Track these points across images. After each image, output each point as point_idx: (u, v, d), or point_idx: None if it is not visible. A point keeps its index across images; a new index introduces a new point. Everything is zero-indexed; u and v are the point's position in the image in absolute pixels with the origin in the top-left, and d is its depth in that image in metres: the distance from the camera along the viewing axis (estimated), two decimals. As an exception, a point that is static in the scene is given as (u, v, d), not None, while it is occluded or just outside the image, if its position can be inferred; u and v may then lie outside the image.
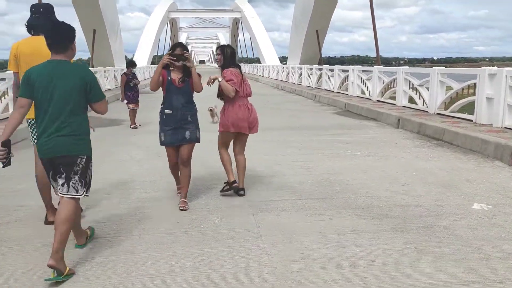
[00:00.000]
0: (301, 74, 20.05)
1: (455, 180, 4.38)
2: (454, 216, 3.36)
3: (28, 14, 3.32)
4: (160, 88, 3.58)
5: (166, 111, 3.52)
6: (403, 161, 5.25)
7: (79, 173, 2.53)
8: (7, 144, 2.49)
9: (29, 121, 3.27)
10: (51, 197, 3.33)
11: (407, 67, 10.42)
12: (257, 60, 41.88)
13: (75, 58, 2.79)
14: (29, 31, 3.29)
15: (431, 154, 5.62)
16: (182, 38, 64.84)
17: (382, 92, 11.16)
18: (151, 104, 9.10)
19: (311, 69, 18.51)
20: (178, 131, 3.51)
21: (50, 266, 2.35)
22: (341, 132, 7.49)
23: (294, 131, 7.63)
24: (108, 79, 17.78)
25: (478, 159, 5.30)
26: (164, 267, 2.56)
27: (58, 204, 2.59)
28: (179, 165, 3.67)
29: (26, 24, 3.27)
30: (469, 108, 7.94)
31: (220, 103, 4.05)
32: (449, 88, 8.31)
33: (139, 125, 8.36)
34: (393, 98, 10.40)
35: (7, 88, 8.73)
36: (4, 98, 8.72)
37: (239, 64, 4.09)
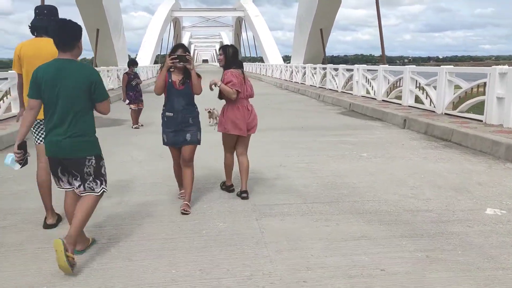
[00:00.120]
0: (304, 74, 19.90)
1: (466, 183, 4.23)
2: (467, 222, 3.22)
3: (33, 14, 3.29)
4: None
5: (167, 113, 3.49)
6: (411, 163, 5.11)
7: (92, 173, 2.58)
8: (23, 145, 2.61)
9: (38, 121, 3.21)
10: (51, 200, 3.27)
11: (414, 66, 10.26)
12: (260, 59, 41.75)
13: (79, 58, 2.78)
14: (32, 33, 3.30)
15: (440, 156, 5.47)
16: (185, 37, 64.84)
17: (387, 91, 11.00)
18: (154, 104, 8.98)
19: (315, 68, 18.35)
20: (179, 133, 3.49)
21: (63, 240, 2.40)
22: (346, 133, 7.35)
23: (298, 132, 7.51)
24: (111, 78, 17.73)
25: (489, 161, 5.15)
26: (164, 275, 2.45)
27: (65, 200, 2.67)
28: (182, 166, 3.63)
29: (30, 25, 3.28)
30: (478, 108, 7.78)
31: (220, 105, 3.97)
32: (457, 87, 8.13)
33: (141, 125, 8.27)
34: (399, 97, 10.24)
35: (9, 88, 8.67)
36: (7, 97, 8.65)
37: (243, 63, 3.98)
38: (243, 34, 56.46)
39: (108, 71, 17.56)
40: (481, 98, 7.19)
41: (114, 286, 2.34)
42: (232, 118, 3.75)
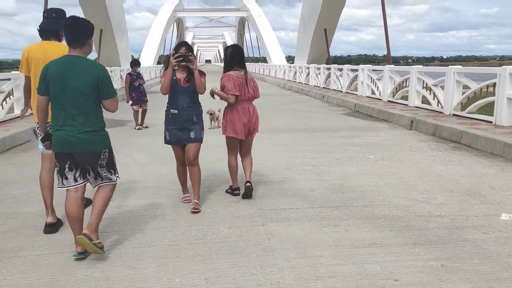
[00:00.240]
0: (308, 74, 19.76)
1: (478, 187, 4.10)
2: (482, 228, 3.09)
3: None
4: None
5: (172, 111, 3.50)
6: (420, 166, 4.98)
7: (105, 165, 2.68)
8: (47, 137, 2.76)
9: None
10: (52, 198, 3.25)
11: (421, 66, 10.09)
12: (264, 60, 41.63)
13: None
14: (41, 36, 3.31)
15: (449, 158, 5.33)
16: (188, 38, 64.82)
17: (393, 92, 10.85)
18: (158, 104, 8.91)
19: (319, 68, 18.21)
20: (183, 131, 3.51)
21: (84, 235, 2.55)
22: (352, 134, 7.23)
23: (303, 133, 7.39)
24: (114, 79, 17.67)
25: (500, 164, 5.01)
26: (168, 285, 2.34)
27: (66, 200, 2.68)
28: (187, 165, 3.62)
29: (38, 28, 3.31)
30: (487, 109, 7.63)
31: (223, 106, 3.93)
32: (465, 87, 7.98)
33: (146, 127, 8.15)
34: (405, 98, 10.09)
35: (12, 89, 8.62)
36: (9, 98, 8.60)
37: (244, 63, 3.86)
38: (246, 35, 56.41)
39: (111, 71, 17.51)
40: (490, 99, 7.04)
41: (115, 296, 2.24)
42: (230, 121, 3.74)
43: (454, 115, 7.83)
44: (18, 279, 2.42)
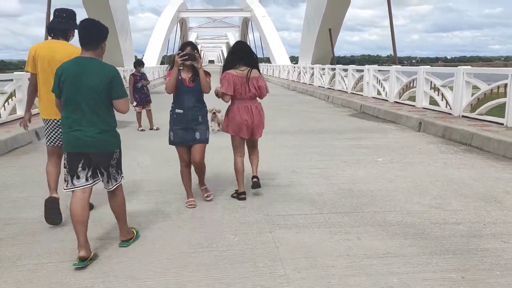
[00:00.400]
0: (312, 74, 19.60)
1: (493, 192, 3.94)
2: (501, 237, 2.94)
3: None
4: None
5: (177, 110, 3.46)
6: (431, 169, 4.82)
7: (115, 165, 2.74)
8: None
9: (51, 121, 3.32)
10: (57, 183, 3.33)
11: (428, 66, 9.90)
12: (267, 60, 41.47)
13: None
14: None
15: (461, 161, 5.17)
16: (192, 38, 64.79)
17: (399, 93, 10.68)
18: (161, 104, 8.81)
19: (323, 69, 18.05)
20: (188, 131, 3.46)
21: (122, 241, 2.85)
22: (359, 136, 7.08)
23: (309, 135, 7.25)
24: (117, 79, 17.60)
25: (514, 168, 4.84)
26: (171, 297, 2.22)
27: (71, 202, 2.65)
28: (194, 167, 3.61)
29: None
30: (497, 110, 7.44)
31: (225, 106, 3.89)
32: (474, 88, 7.80)
33: (157, 128, 7.93)
34: (412, 99, 9.92)
35: (14, 90, 8.54)
36: (11, 99, 8.52)
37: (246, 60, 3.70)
38: (250, 35, 56.29)
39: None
40: (501, 100, 6.86)
41: (116, 309, 2.11)
42: (231, 118, 3.70)
43: (463, 116, 7.66)
44: (15, 290, 2.30)
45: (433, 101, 9.21)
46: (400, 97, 10.58)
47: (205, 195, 3.75)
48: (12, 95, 8.52)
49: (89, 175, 2.67)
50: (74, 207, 2.62)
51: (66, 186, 2.68)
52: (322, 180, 4.41)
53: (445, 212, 3.43)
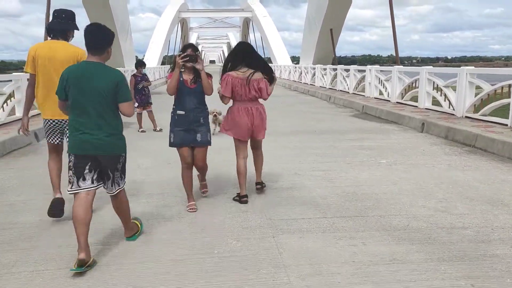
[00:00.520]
0: (314, 75, 19.53)
1: (500, 195, 3.87)
2: (510, 242, 2.86)
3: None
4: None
5: (179, 112, 3.44)
6: (436, 171, 4.75)
7: (119, 169, 2.75)
8: None
9: (54, 121, 3.34)
10: (60, 180, 3.38)
11: (431, 66, 9.82)
12: (268, 60, 41.39)
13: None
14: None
15: (465, 163, 5.10)
16: (193, 38, 64.68)
17: (402, 93, 10.60)
18: (162, 105, 8.75)
19: (325, 69, 17.98)
20: (189, 132, 3.45)
21: (127, 237, 2.93)
22: (362, 137, 7.00)
23: (311, 136, 7.17)
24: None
25: (520, 170, 4.77)
26: (172, 306, 2.15)
27: (74, 205, 2.63)
28: (197, 169, 3.65)
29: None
30: (500, 111, 7.36)
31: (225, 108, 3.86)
32: (478, 88, 7.72)
33: (160, 130, 7.85)
34: (414, 99, 9.84)
35: (13, 90, 8.48)
36: (10, 100, 8.45)
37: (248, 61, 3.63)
38: (251, 35, 56.19)
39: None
40: (505, 101, 6.78)
41: (114, 319, 2.04)
42: (231, 119, 3.67)
43: (466, 117, 7.58)
44: (11, 298, 2.23)
45: (435, 102, 9.13)
46: (402, 98, 10.51)
47: (202, 190, 3.89)
48: (11, 96, 8.46)
49: (94, 177, 2.66)
50: (77, 209, 2.59)
51: (71, 188, 2.64)
52: (325, 183, 4.34)
53: (452, 216, 3.35)
